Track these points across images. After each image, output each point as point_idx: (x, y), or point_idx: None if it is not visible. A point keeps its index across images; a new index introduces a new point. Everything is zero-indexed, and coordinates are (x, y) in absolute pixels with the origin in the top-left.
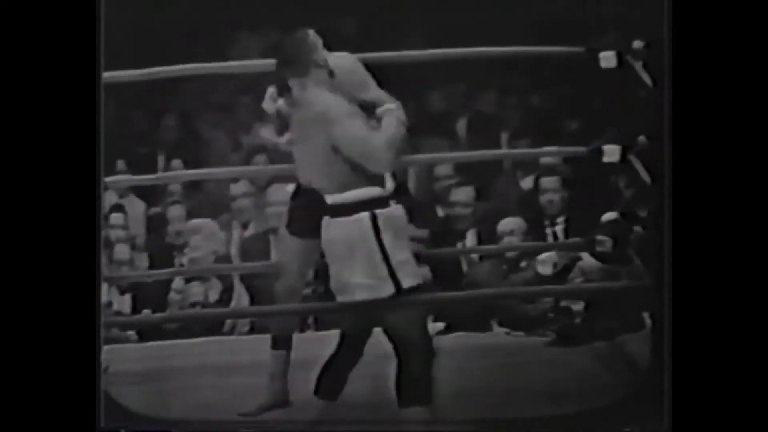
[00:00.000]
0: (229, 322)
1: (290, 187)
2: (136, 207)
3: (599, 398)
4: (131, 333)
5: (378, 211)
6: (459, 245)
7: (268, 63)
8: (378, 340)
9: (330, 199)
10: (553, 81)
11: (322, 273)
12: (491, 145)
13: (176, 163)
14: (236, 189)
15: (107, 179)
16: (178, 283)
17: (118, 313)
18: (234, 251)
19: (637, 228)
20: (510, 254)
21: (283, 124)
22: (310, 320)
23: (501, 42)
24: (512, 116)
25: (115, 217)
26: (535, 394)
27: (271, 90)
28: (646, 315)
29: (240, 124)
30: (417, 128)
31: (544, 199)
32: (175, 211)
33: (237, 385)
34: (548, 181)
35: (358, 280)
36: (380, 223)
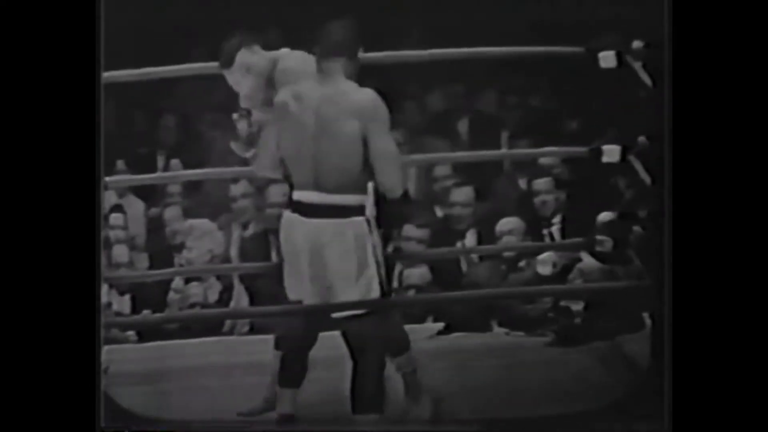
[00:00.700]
0: (228, 322)
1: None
2: (136, 207)
3: (599, 398)
4: (131, 333)
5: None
6: (458, 245)
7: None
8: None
9: (319, 197)
10: (552, 81)
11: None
12: (491, 145)
13: (176, 163)
14: (236, 189)
15: (107, 179)
16: (177, 283)
17: (118, 314)
18: (234, 252)
19: (637, 228)
20: (508, 254)
21: (251, 142)
22: None
23: (501, 42)
24: (512, 116)
25: (115, 218)
26: (535, 394)
27: (235, 115)
28: (646, 315)
29: None
30: (417, 128)
31: (537, 200)
32: (175, 212)
33: (237, 385)
34: (541, 183)
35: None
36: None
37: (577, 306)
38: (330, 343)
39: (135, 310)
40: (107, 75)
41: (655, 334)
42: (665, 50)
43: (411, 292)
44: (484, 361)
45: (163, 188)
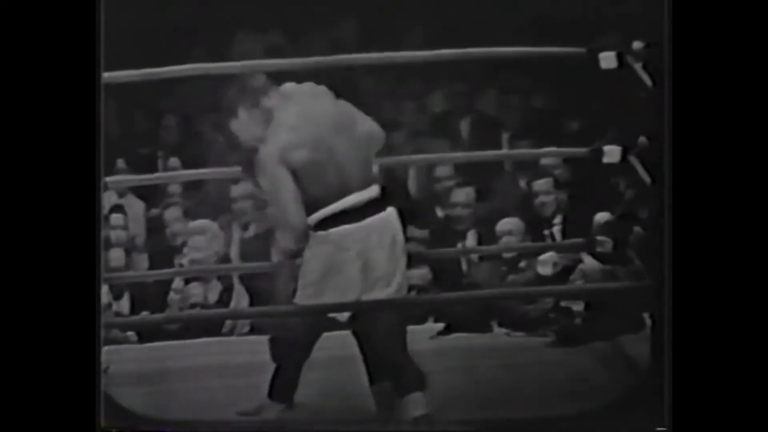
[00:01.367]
0: (228, 322)
1: None
2: (136, 207)
3: (599, 398)
4: (131, 334)
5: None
6: (459, 246)
7: (268, 63)
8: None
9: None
10: (553, 81)
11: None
12: (492, 145)
13: (176, 163)
14: (236, 190)
15: (107, 179)
16: (177, 283)
17: (118, 314)
18: (234, 252)
19: (637, 228)
20: (509, 255)
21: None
22: None
23: (501, 42)
24: (512, 117)
25: (115, 218)
26: (536, 394)
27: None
28: (646, 315)
29: None
30: (417, 128)
31: (538, 201)
32: (175, 212)
33: (237, 385)
34: (540, 184)
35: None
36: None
37: (578, 306)
38: (330, 344)
39: (134, 310)
40: (107, 75)
41: (655, 334)
42: (665, 50)
43: (412, 293)
44: (484, 362)
45: (163, 188)
